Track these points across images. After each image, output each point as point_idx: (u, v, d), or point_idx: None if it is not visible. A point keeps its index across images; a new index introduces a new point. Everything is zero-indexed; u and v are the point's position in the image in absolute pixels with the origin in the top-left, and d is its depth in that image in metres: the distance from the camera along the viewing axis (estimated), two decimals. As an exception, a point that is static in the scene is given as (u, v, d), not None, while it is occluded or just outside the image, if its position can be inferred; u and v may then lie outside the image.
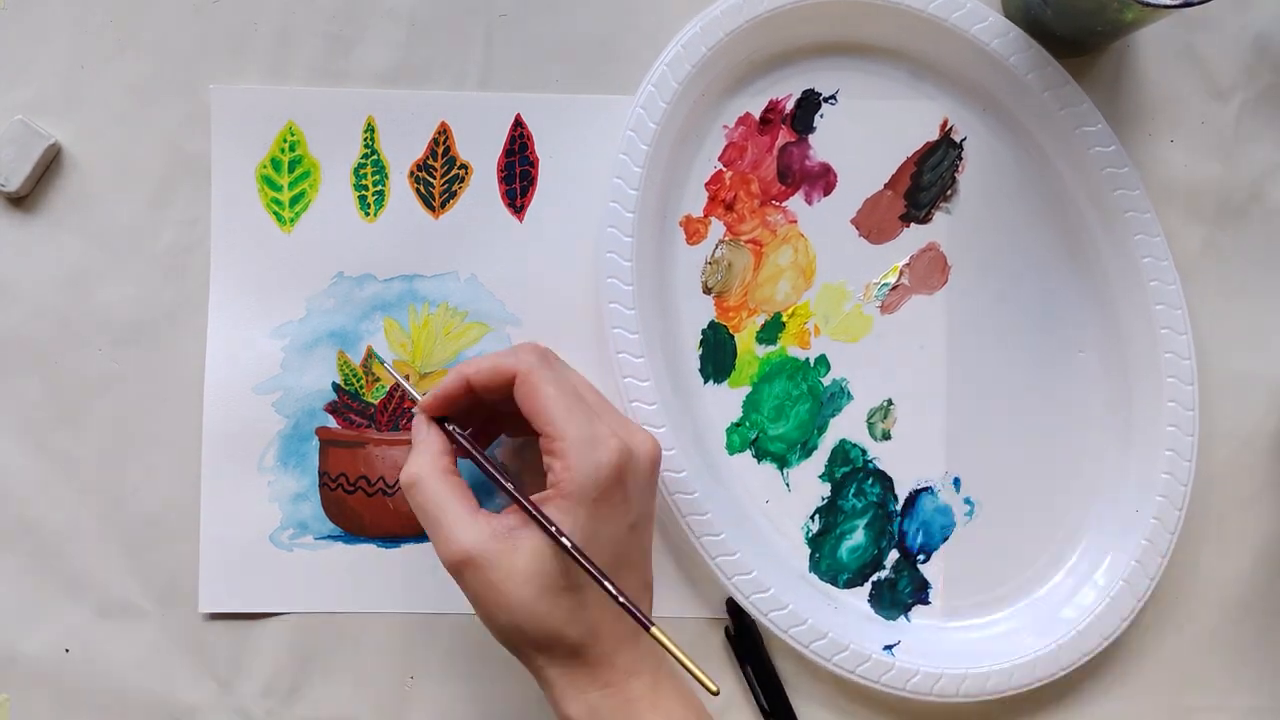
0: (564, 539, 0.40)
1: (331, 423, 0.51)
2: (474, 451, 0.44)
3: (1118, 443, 0.51)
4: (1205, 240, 0.52)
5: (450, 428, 0.45)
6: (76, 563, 0.51)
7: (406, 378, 0.50)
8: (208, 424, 0.51)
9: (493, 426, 0.49)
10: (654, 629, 0.40)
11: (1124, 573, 0.49)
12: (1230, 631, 0.52)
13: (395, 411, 0.51)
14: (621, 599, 0.40)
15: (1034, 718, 0.51)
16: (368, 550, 0.51)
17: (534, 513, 0.41)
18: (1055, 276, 0.52)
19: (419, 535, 0.51)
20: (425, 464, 0.43)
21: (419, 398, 0.45)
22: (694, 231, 0.52)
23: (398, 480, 0.51)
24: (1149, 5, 0.43)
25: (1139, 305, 0.50)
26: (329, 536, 0.51)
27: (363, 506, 0.51)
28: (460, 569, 0.41)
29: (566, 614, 0.41)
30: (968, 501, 0.52)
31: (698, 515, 0.48)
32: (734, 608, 0.50)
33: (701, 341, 0.51)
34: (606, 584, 0.40)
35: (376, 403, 0.51)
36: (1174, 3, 0.43)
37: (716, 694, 0.39)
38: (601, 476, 0.41)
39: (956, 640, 0.51)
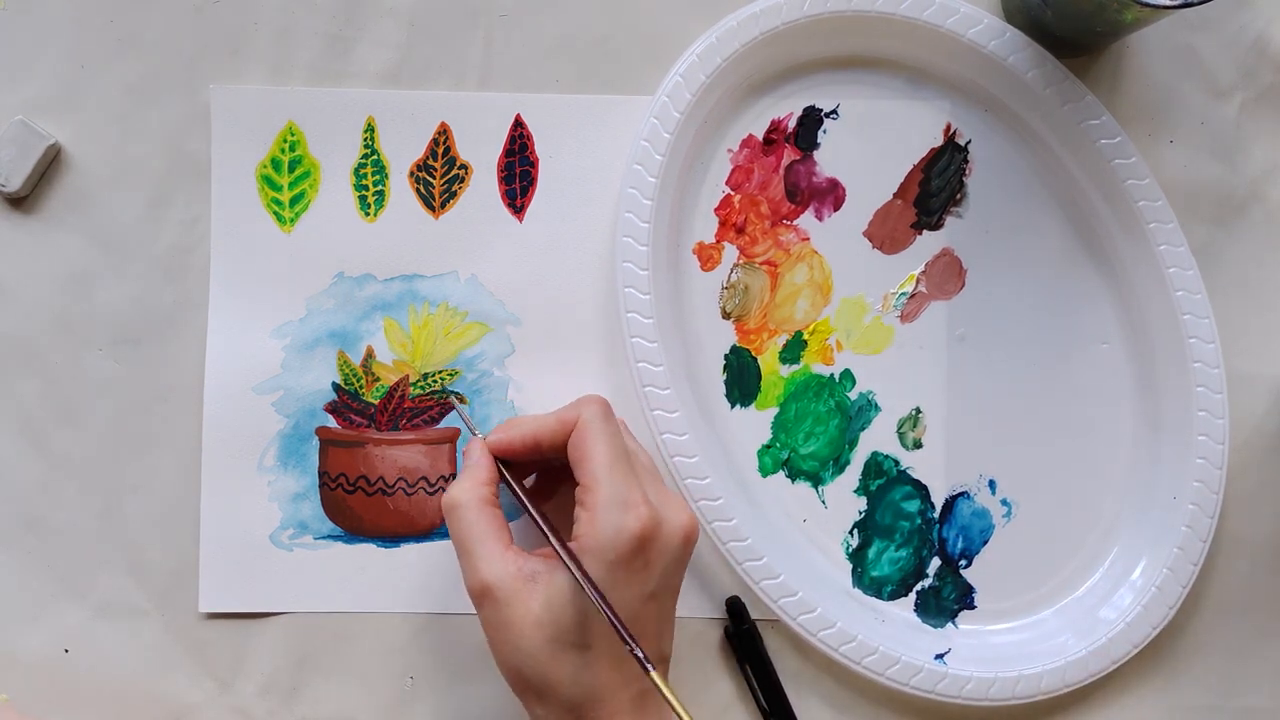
0: (589, 582, 0.40)
1: (331, 423, 0.51)
2: (515, 487, 0.45)
3: (1148, 428, 0.51)
4: (1205, 240, 0.52)
5: (498, 462, 0.45)
6: (76, 563, 0.51)
7: (460, 400, 0.51)
8: (208, 424, 0.51)
9: (543, 481, 0.49)
10: (653, 673, 0.39)
11: (1167, 561, 0.49)
12: (1230, 631, 0.52)
13: (395, 412, 0.51)
14: (630, 644, 0.39)
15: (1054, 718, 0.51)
16: (368, 550, 0.51)
17: (562, 554, 0.41)
18: (1071, 271, 0.52)
19: (419, 535, 0.51)
20: (468, 490, 0.43)
21: (478, 435, 0.46)
22: (707, 258, 0.52)
23: (398, 480, 0.51)
24: (1149, 5, 0.43)
25: (1158, 293, 0.51)
26: (329, 536, 0.51)
27: (362, 506, 0.51)
28: (480, 599, 0.42)
29: (570, 671, 0.41)
30: (1005, 503, 0.52)
31: (738, 541, 0.48)
32: (734, 607, 0.50)
33: (725, 367, 0.51)
34: (618, 626, 0.39)
35: (376, 403, 0.51)
36: (1174, 3, 0.43)
37: None
38: (621, 540, 0.41)
39: (1001, 643, 0.51)
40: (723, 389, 0.51)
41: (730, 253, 0.52)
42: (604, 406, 0.44)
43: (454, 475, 0.51)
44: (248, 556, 0.50)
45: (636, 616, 0.42)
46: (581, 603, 0.41)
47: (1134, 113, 0.52)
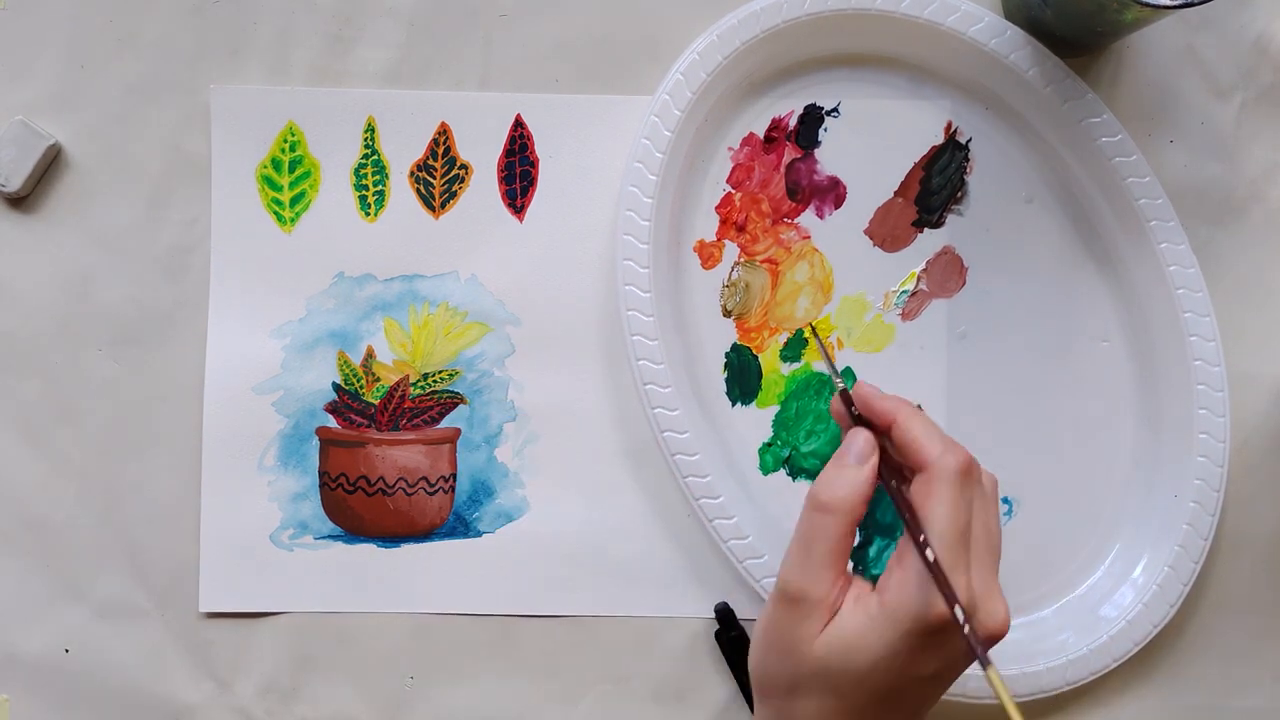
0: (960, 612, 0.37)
1: (332, 423, 0.51)
2: (903, 505, 0.39)
3: (1149, 426, 0.51)
4: (1205, 240, 0.52)
5: (884, 473, 0.41)
6: (76, 563, 0.51)
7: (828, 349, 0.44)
8: (208, 424, 0.51)
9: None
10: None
11: (1169, 559, 0.49)
12: (1232, 630, 0.52)
13: (395, 412, 0.51)
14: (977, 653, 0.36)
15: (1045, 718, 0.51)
16: (368, 550, 0.51)
17: (957, 611, 0.37)
18: (1072, 269, 0.52)
19: (419, 535, 0.51)
20: (852, 497, 0.39)
21: (843, 385, 0.42)
22: (708, 256, 0.52)
23: (398, 480, 0.51)
24: (1149, 5, 0.43)
25: (1159, 290, 0.51)
26: (329, 536, 0.51)
27: (363, 506, 0.51)
28: (788, 602, 0.39)
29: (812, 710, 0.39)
30: (1005, 501, 0.52)
31: (739, 539, 0.48)
32: (722, 614, 0.50)
33: (726, 365, 0.51)
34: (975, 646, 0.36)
35: (376, 403, 0.51)
36: (1174, 3, 0.43)
37: None
38: (923, 617, 0.37)
39: (1002, 641, 0.50)
40: (723, 387, 0.51)
41: (731, 251, 0.52)
42: (968, 468, 0.39)
43: (454, 475, 0.51)
44: (248, 556, 0.50)
45: (907, 688, 0.39)
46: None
47: (1134, 112, 0.52)
